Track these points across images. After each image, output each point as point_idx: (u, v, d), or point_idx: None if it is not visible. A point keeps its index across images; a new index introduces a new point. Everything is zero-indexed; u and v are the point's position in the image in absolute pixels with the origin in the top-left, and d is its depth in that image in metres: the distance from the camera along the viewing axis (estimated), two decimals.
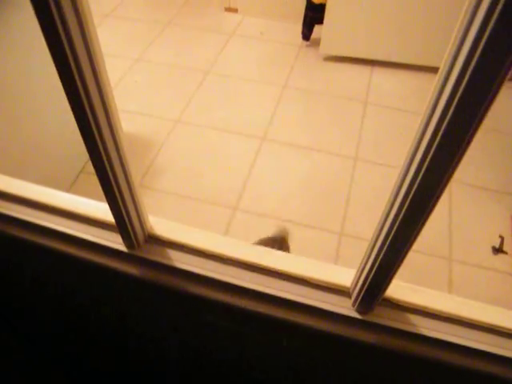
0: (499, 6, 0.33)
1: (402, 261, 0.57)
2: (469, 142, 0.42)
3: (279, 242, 1.80)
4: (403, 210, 0.51)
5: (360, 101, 2.80)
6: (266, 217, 2.20)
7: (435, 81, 0.41)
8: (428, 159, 0.45)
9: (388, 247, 0.55)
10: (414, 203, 0.49)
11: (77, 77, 0.49)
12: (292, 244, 1.87)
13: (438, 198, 0.48)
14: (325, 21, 2.85)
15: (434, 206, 0.49)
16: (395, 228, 0.53)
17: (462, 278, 2.03)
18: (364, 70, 3.01)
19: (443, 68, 0.40)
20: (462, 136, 0.41)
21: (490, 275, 2.04)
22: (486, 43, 0.35)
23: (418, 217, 0.50)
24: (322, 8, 2.84)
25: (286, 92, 2.85)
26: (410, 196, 0.49)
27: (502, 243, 2.10)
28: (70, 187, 2.28)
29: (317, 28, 3.07)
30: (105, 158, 0.60)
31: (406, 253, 0.56)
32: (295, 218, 2.21)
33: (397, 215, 0.52)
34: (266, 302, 0.70)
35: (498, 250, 2.08)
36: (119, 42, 3.21)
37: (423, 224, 0.52)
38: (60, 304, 1.00)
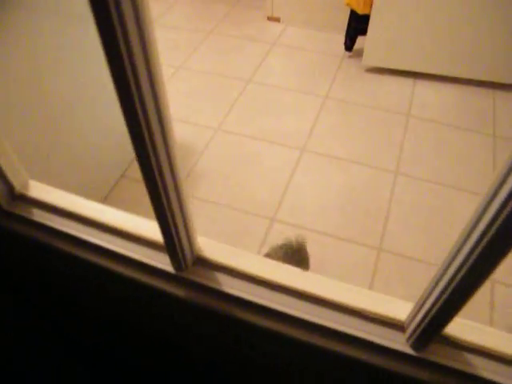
0: None
1: (470, 298, 0.54)
2: None
3: (298, 251, 1.76)
4: (483, 242, 0.47)
5: (402, 113, 2.75)
6: (303, 228, 2.18)
7: None
8: None
9: (457, 285, 0.52)
10: (497, 238, 0.45)
11: (132, 83, 0.48)
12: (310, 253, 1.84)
13: None
14: (368, 32, 2.82)
15: None
16: (469, 265, 0.50)
17: (504, 302, 1.96)
18: (407, 82, 2.96)
19: None
20: None
21: None
22: None
23: (498, 253, 0.47)
24: (366, 19, 2.81)
25: (327, 103, 2.82)
26: (494, 228, 0.45)
27: None
28: (110, 192, 2.31)
29: (360, 39, 3.03)
30: (158, 178, 0.59)
31: (476, 290, 0.53)
32: (333, 230, 2.17)
33: (474, 247, 0.49)
34: (317, 333, 0.68)
35: None
36: (162, 49, 3.21)
37: (502, 259, 0.48)
38: (104, 320, 1.00)
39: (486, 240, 0.47)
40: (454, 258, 0.53)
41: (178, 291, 0.73)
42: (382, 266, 2.07)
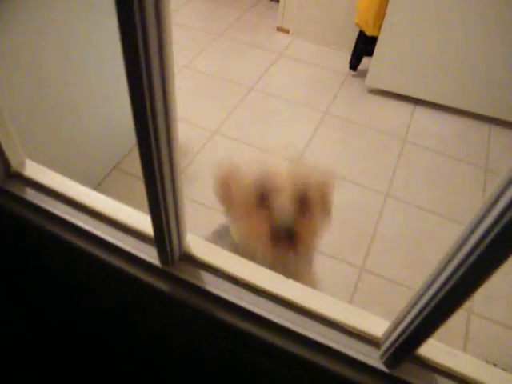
0: None
1: (446, 321, 0.55)
2: None
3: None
4: (463, 269, 0.49)
5: (399, 138, 2.78)
6: None
7: None
8: (500, 225, 0.43)
9: (432, 309, 0.54)
10: (476, 265, 0.47)
11: (145, 76, 0.49)
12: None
13: (504, 262, 0.46)
14: (375, 53, 2.85)
15: (495, 270, 0.47)
16: (445, 291, 0.51)
17: (479, 333, 1.98)
18: (407, 108, 3.00)
19: None
20: None
21: (510, 334, 1.99)
22: None
23: (478, 278, 0.48)
24: (373, 40, 2.84)
25: (327, 118, 2.84)
26: (472, 258, 0.47)
27: None
28: (101, 182, 2.31)
29: (365, 59, 3.07)
30: (157, 169, 0.60)
31: (454, 313, 0.54)
32: (318, 246, 2.18)
33: (454, 272, 0.50)
34: (294, 340, 0.69)
35: None
36: None
37: (482, 283, 0.49)
38: (90, 306, 1.00)
39: (463, 269, 0.49)
40: (432, 283, 0.54)
41: (162, 285, 0.74)
42: (363, 286, 2.08)
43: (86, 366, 1.26)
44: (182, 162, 2.48)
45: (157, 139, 0.56)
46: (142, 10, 0.43)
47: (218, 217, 2.24)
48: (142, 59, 0.47)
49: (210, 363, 0.90)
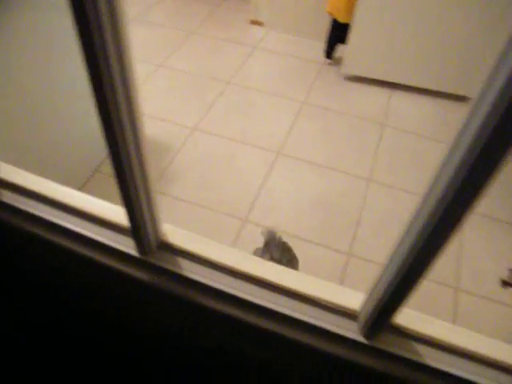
0: None
1: (415, 288, 0.57)
2: (496, 171, 0.42)
3: (280, 245, 1.77)
4: (423, 238, 0.50)
5: (377, 122, 2.81)
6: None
7: (468, 109, 0.41)
8: (452, 188, 0.44)
9: (403, 274, 0.55)
10: (435, 232, 0.49)
11: (105, 74, 0.50)
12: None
13: (459, 228, 0.48)
14: (348, 41, 2.87)
15: (454, 235, 0.49)
16: (412, 255, 0.53)
17: (467, 309, 2.01)
18: (384, 92, 3.02)
19: (475, 99, 0.40)
20: (492, 166, 0.41)
21: (496, 308, 2.02)
22: None
23: (436, 245, 0.50)
24: (346, 28, 2.86)
25: (305, 108, 2.86)
26: (431, 225, 0.48)
27: (510, 276, 2.07)
28: (84, 185, 2.30)
29: (340, 47, 3.08)
30: (125, 161, 0.61)
31: (421, 280, 0.55)
32: (304, 234, 2.20)
33: (415, 242, 0.52)
34: (272, 319, 0.70)
35: (507, 284, 2.06)
36: (144, 46, 3.24)
37: (441, 252, 0.51)
38: (70, 301, 1.01)
39: (424, 236, 0.51)
40: (397, 252, 0.56)
41: (142, 274, 0.75)
42: (351, 271, 2.10)
43: (73, 362, 1.27)
44: (163, 160, 2.48)
45: (122, 132, 0.57)
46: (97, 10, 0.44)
47: (202, 213, 2.26)
48: (101, 59, 0.48)
49: (193, 347, 0.91)
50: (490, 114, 0.37)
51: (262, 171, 2.47)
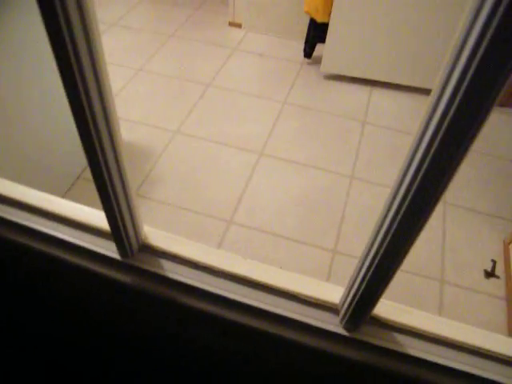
0: (489, 32, 0.34)
1: (390, 279, 0.58)
2: (458, 164, 0.43)
3: None
4: (392, 230, 0.52)
5: (358, 120, 2.83)
6: (259, 231, 2.21)
7: (427, 103, 0.43)
8: (417, 180, 0.46)
9: (377, 266, 0.56)
10: (403, 223, 0.50)
11: (79, 82, 0.51)
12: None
13: (427, 219, 0.49)
14: (327, 40, 2.89)
15: (422, 226, 0.50)
16: (384, 247, 0.54)
17: (452, 301, 2.04)
18: (364, 90, 3.04)
19: (435, 91, 0.41)
20: (452, 157, 0.43)
21: (481, 299, 2.05)
22: (477, 68, 0.37)
23: (406, 237, 0.52)
24: (324, 27, 2.88)
25: (286, 108, 2.87)
26: (400, 216, 0.50)
27: (493, 267, 2.11)
28: (66, 192, 2.29)
29: (319, 46, 3.10)
30: (103, 165, 0.61)
31: (395, 272, 0.57)
32: (289, 233, 2.21)
33: (386, 234, 0.53)
34: (255, 316, 0.71)
35: (490, 274, 2.09)
36: (123, 51, 3.23)
37: (411, 244, 0.53)
38: (50, 308, 1.00)
39: (394, 227, 0.52)
40: (372, 243, 0.57)
41: (124, 277, 0.75)
42: (337, 268, 2.12)
43: (57, 365, 1.26)
44: (146, 164, 2.47)
45: (99, 136, 0.57)
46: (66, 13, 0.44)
47: (186, 216, 2.26)
48: (73, 61, 0.48)
49: (179, 347, 0.91)
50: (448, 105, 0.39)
51: (244, 172, 2.47)
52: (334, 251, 2.18)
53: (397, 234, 0.52)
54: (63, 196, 2.28)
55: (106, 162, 0.61)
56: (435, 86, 0.41)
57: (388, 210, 0.52)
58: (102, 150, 0.58)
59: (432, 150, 0.42)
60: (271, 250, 2.14)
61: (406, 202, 0.48)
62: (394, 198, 0.50)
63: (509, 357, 0.66)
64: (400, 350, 0.67)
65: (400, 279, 2.20)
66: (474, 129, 0.41)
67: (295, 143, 2.66)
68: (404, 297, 2.00)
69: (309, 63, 3.22)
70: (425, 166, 0.44)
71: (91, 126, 0.56)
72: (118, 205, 0.67)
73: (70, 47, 0.47)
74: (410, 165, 0.46)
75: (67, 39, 0.46)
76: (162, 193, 2.34)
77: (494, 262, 2.12)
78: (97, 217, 0.79)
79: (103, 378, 1.22)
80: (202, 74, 3.09)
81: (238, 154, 2.57)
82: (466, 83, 0.38)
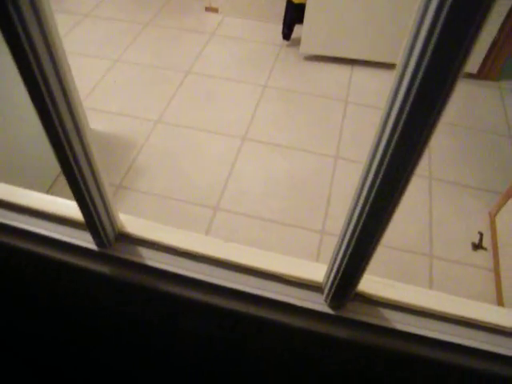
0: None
1: (371, 254, 0.57)
2: (428, 136, 0.42)
3: None
4: (368, 204, 0.51)
5: (340, 100, 2.81)
6: (246, 216, 2.20)
7: (393, 77, 0.41)
8: (389, 154, 0.45)
9: (356, 241, 0.55)
10: (378, 197, 0.49)
11: (36, 69, 0.48)
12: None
13: (402, 192, 0.48)
14: (304, 20, 2.86)
15: (398, 199, 0.49)
16: (362, 222, 0.53)
17: (442, 275, 2.05)
18: (344, 69, 3.02)
19: (399, 64, 0.40)
20: (420, 129, 0.42)
21: (469, 271, 2.06)
22: (437, 41, 0.35)
23: (382, 210, 0.50)
24: (301, 8, 2.84)
25: (267, 91, 2.85)
26: (374, 190, 0.48)
27: (481, 239, 2.11)
28: (50, 188, 2.26)
29: (297, 28, 3.07)
30: (70, 155, 0.59)
31: (375, 246, 0.56)
32: (276, 217, 2.20)
33: (363, 209, 0.52)
34: (239, 299, 0.70)
35: (478, 246, 2.10)
36: (99, 41, 3.18)
37: (389, 218, 0.51)
38: (29, 302, 0.99)
39: (370, 201, 0.51)
40: (350, 218, 0.56)
41: (103, 268, 0.74)
42: (326, 249, 2.11)
43: (37, 360, 1.25)
44: (129, 155, 2.44)
45: (62, 125, 0.55)
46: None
47: (172, 205, 2.24)
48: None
49: (163, 335, 0.90)
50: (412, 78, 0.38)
51: (229, 158, 2.45)
52: (323, 232, 2.17)
53: (374, 208, 0.50)
54: (48, 191, 2.24)
55: (72, 150, 0.59)
56: (399, 60, 0.40)
57: (363, 184, 0.51)
58: (67, 137, 0.56)
59: (401, 122, 0.41)
60: (259, 235, 2.13)
61: (380, 176, 0.47)
62: (368, 171, 0.49)
63: (495, 325, 0.65)
64: (387, 325, 0.66)
65: (389, 256, 2.20)
66: (439, 101, 0.39)
67: (278, 126, 2.64)
68: (394, 274, 2.00)
69: (288, 45, 3.19)
70: (394, 139, 0.43)
71: (52, 114, 0.53)
72: (90, 194, 0.65)
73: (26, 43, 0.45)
74: (380, 139, 0.45)
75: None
76: (146, 183, 2.32)
77: (481, 235, 2.12)
78: (71, 208, 0.76)
79: (85, 373, 1.21)
80: (181, 61, 3.05)
81: (221, 140, 2.55)
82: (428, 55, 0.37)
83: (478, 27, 0.33)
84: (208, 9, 3.46)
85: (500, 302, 1.90)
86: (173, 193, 2.28)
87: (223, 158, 2.45)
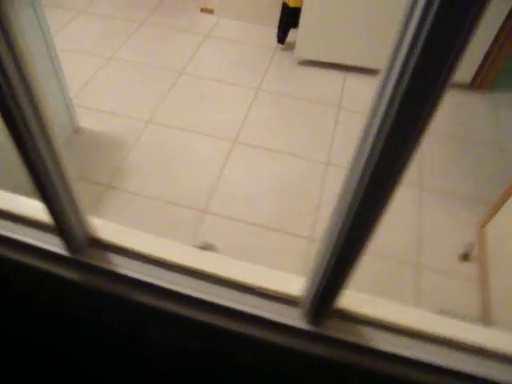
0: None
1: (352, 269, 0.54)
2: (414, 143, 0.40)
3: None
4: (351, 216, 0.48)
5: (333, 105, 2.79)
6: (235, 220, 2.17)
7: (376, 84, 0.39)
8: (373, 163, 0.42)
9: (338, 254, 0.52)
10: (361, 206, 0.46)
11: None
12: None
13: (386, 202, 0.45)
14: (300, 25, 2.83)
15: (382, 210, 0.46)
16: (345, 235, 0.50)
17: (430, 285, 2.02)
18: (338, 75, 3.00)
19: (384, 71, 0.38)
20: (406, 137, 0.39)
21: (457, 282, 2.04)
22: (423, 47, 0.33)
23: (366, 223, 0.48)
24: (297, 12, 2.82)
25: (260, 95, 2.82)
26: (358, 199, 0.46)
27: (469, 250, 2.10)
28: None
29: (292, 32, 3.05)
30: (31, 152, 0.55)
31: (357, 261, 0.53)
32: (265, 222, 2.17)
33: (345, 221, 0.49)
34: (211, 311, 0.66)
35: (466, 257, 2.09)
36: (92, 39, 3.14)
37: (372, 231, 0.49)
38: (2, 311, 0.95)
39: (352, 212, 0.48)
40: (332, 232, 0.53)
41: (72, 274, 0.70)
42: (314, 256, 2.08)
43: (10, 366, 1.21)
44: (118, 155, 2.41)
45: (26, 126, 0.52)
46: None
47: (160, 206, 2.21)
48: None
49: (134, 344, 0.87)
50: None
51: (219, 160, 2.42)
52: (311, 238, 2.15)
53: (356, 219, 0.48)
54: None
55: (35, 148, 0.55)
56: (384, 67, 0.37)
57: (344, 194, 0.48)
58: (31, 137, 0.53)
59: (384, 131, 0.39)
60: (247, 239, 2.10)
61: (363, 185, 0.44)
62: (351, 178, 0.46)
63: (478, 347, 0.62)
64: (366, 344, 0.63)
65: (377, 266, 2.17)
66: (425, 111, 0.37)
67: (269, 130, 2.62)
68: (382, 283, 1.98)
69: (282, 49, 3.17)
70: (379, 146, 0.40)
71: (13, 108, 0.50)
72: (58, 197, 0.61)
73: None
74: (363, 146, 0.43)
75: None
76: (135, 183, 2.28)
77: (470, 246, 2.10)
78: (39, 209, 0.73)
79: (58, 380, 1.17)
80: (174, 61, 3.02)
81: (212, 142, 2.52)
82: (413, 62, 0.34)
83: (465, 40, 0.31)
84: (203, 10, 3.44)
85: (487, 312, 1.88)
86: (162, 194, 2.25)
87: (213, 161, 2.42)
